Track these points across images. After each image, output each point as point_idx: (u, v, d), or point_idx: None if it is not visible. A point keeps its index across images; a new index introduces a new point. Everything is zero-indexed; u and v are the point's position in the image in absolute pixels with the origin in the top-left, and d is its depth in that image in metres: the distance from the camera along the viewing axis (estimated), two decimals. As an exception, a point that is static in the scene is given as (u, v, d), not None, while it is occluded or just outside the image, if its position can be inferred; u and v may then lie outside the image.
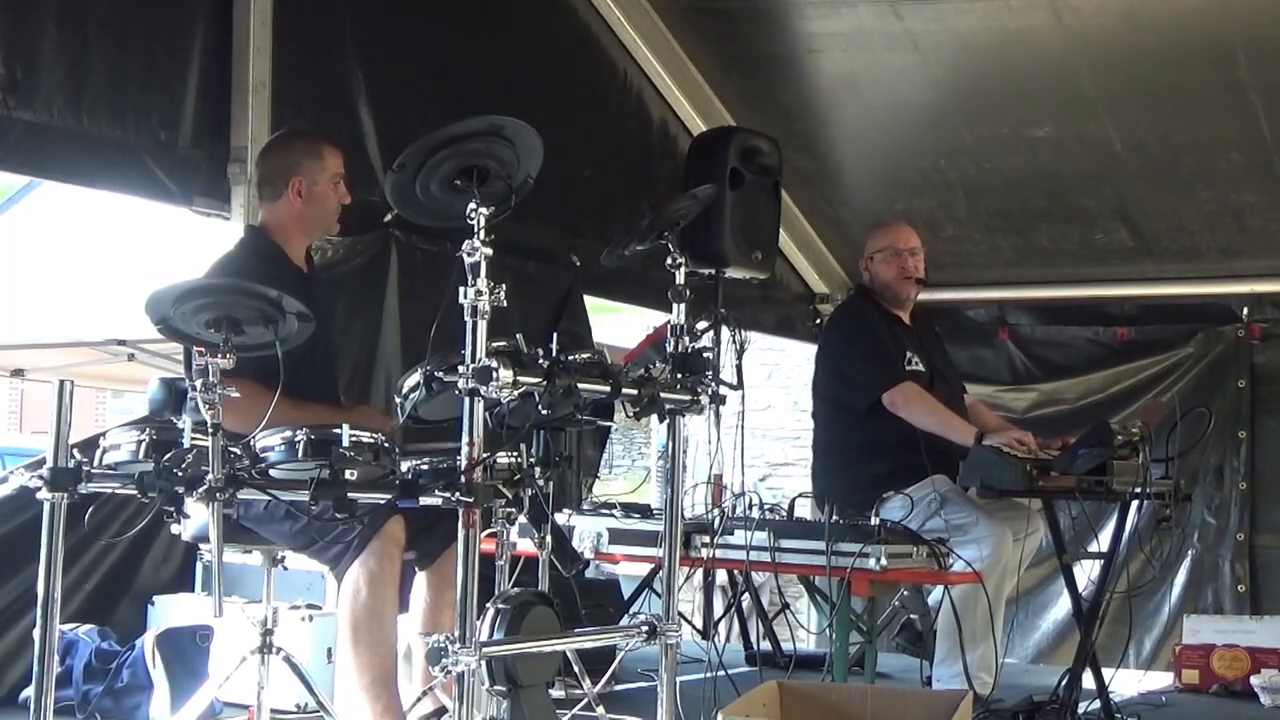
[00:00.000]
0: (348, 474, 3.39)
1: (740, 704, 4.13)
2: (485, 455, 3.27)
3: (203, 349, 3.31)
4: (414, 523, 3.91)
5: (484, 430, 3.27)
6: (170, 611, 4.90)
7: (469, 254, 3.24)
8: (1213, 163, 6.81)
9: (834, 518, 4.95)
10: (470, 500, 3.22)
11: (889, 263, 5.78)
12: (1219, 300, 7.61)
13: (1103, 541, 5.35)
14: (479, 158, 3.38)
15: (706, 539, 5.07)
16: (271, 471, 3.45)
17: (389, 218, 5.37)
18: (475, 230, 3.27)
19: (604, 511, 5.61)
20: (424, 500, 3.44)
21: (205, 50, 4.94)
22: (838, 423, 5.76)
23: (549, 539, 3.83)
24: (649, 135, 7.06)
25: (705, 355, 4.03)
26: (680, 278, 4.03)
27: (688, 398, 3.86)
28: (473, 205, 3.30)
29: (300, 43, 5.23)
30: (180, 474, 3.29)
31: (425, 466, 3.60)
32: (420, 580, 4.14)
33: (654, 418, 3.89)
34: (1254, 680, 5.90)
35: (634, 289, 6.66)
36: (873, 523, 4.87)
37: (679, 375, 3.87)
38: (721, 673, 4.73)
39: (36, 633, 3.41)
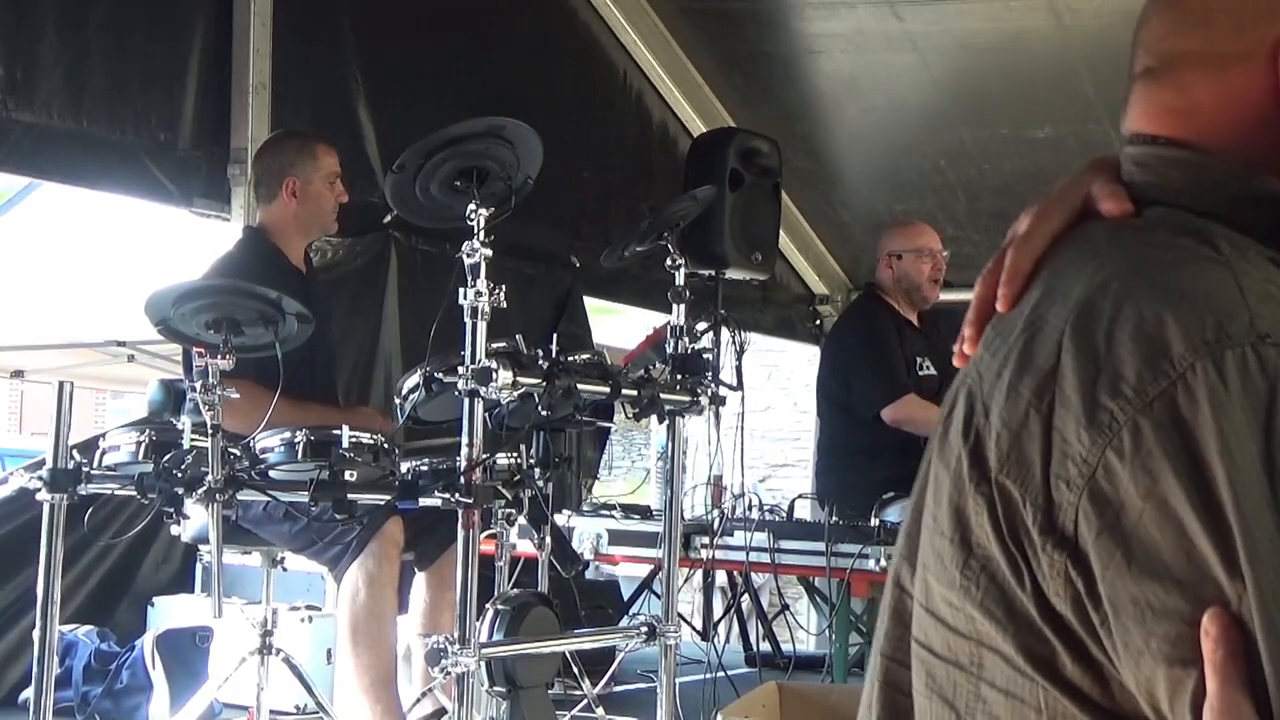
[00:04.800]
0: (347, 475, 3.39)
1: (740, 705, 4.13)
2: (485, 456, 3.27)
3: (202, 350, 3.31)
4: (413, 524, 3.91)
5: (484, 431, 3.27)
6: (170, 612, 4.90)
7: (469, 255, 3.25)
8: (1212, 163, 6.80)
9: (833, 518, 4.95)
10: (470, 501, 3.23)
11: (923, 263, 5.67)
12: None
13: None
14: (479, 159, 3.38)
15: (706, 540, 5.07)
16: (271, 473, 3.46)
17: (389, 219, 5.38)
18: (475, 231, 3.27)
19: (603, 512, 5.61)
20: (424, 501, 3.45)
21: (205, 51, 4.94)
22: (842, 424, 5.74)
23: (548, 540, 3.83)
24: (649, 136, 7.06)
25: (705, 356, 4.04)
26: (680, 279, 4.04)
27: (687, 399, 3.86)
28: (472, 206, 3.31)
29: (300, 44, 5.23)
30: (180, 475, 3.29)
31: (425, 468, 3.61)
32: (419, 581, 4.14)
33: (654, 419, 3.89)
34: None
35: (634, 290, 6.66)
36: (872, 523, 4.88)
37: (679, 376, 3.87)
38: (721, 674, 4.74)
39: (36, 633, 3.42)
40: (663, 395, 3.74)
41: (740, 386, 4.90)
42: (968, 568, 0.97)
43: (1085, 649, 0.92)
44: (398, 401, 3.64)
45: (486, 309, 3.23)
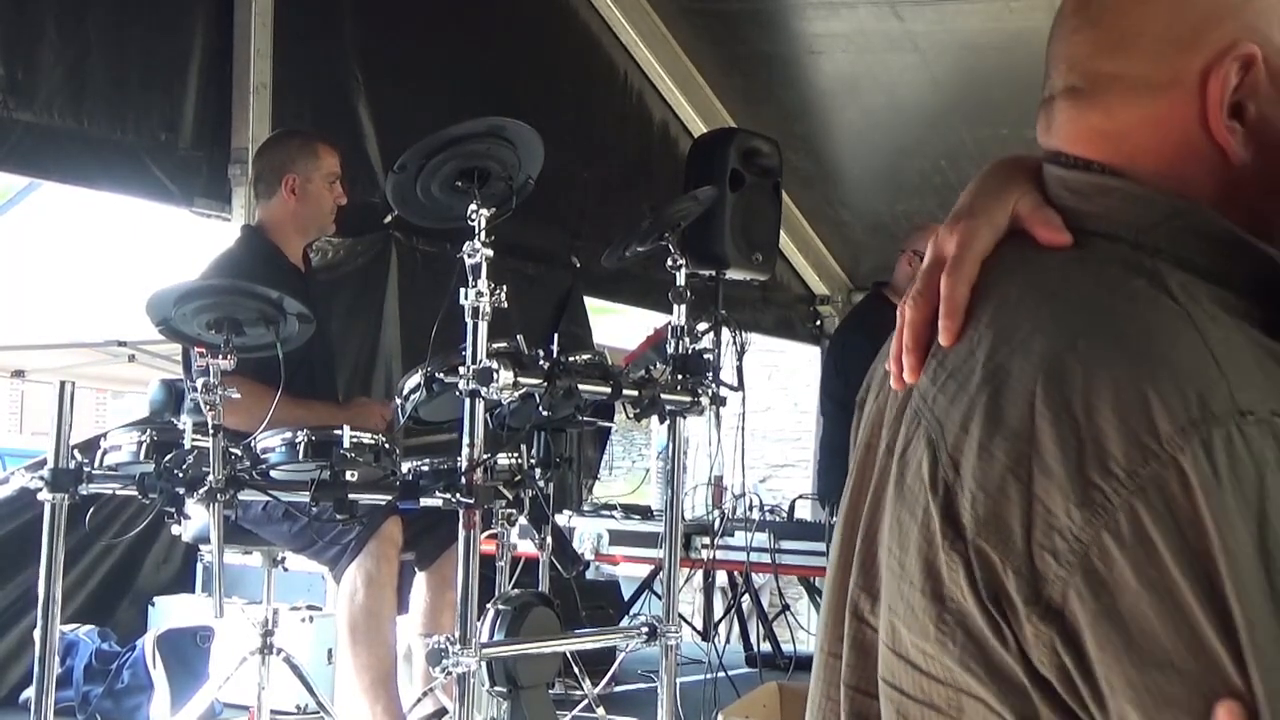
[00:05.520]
0: (348, 475, 3.39)
1: (740, 705, 4.14)
2: (486, 456, 3.27)
3: (203, 350, 3.31)
4: (413, 523, 3.91)
5: (485, 431, 3.27)
6: (170, 612, 4.90)
7: (470, 255, 3.25)
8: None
9: (834, 519, 4.95)
10: (471, 501, 3.23)
11: None
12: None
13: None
14: (480, 159, 3.39)
15: (707, 540, 5.07)
16: (272, 473, 3.46)
17: (389, 219, 5.36)
18: (476, 231, 3.28)
19: (604, 512, 5.62)
20: (424, 502, 3.45)
21: (205, 51, 4.94)
22: (844, 424, 5.70)
23: (549, 540, 3.83)
24: (649, 136, 7.07)
25: (705, 357, 4.04)
26: (681, 279, 4.04)
27: (688, 399, 3.86)
28: (473, 206, 3.31)
29: (300, 44, 5.24)
30: (181, 475, 3.29)
31: (426, 468, 3.61)
32: (420, 581, 4.14)
33: (654, 419, 3.89)
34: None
35: (634, 290, 6.66)
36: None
37: (679, 376, 3.87)
38: (721, 674, 4.73)
39: (37, 633, 3.42)
40: (663, 395, 3.74)
41: (741, 387, 4.90)
42: (943, 622, 0.98)
43: (1070, 710, 0.93)
44: (398, 401, 3.64)
45: (487, 309, 3.23)
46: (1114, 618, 0.90)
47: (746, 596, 6.35)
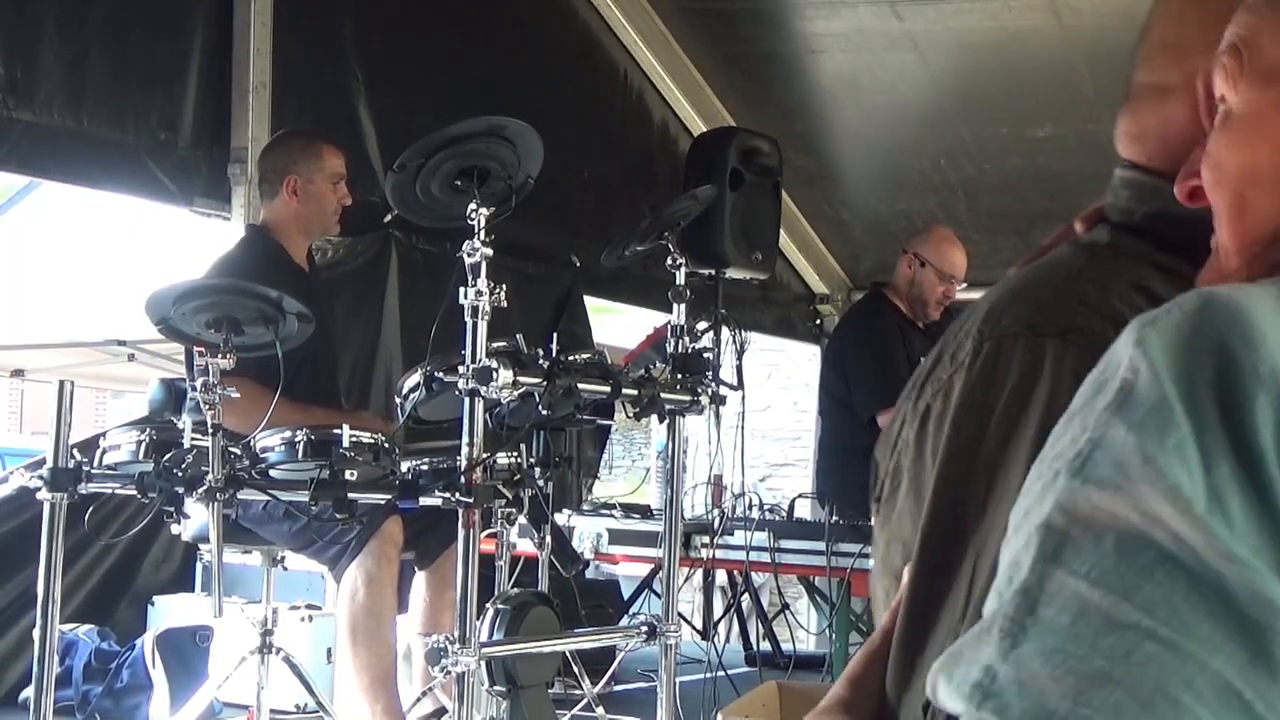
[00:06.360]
0: (347, 474, 3.39)
1: (740, 704, 4.14)
2: (485, 456, 3.27)
3: (203, 349, 3.31)
4: (413, 523, 3.91)
5: (484, 430, 3.27)
6: (170, 611, 4.90)
7: (469, 254, 3.25)
8: (1212, 163, 6.80)
9: (834, 518, 4.95)
10: (470, 501, 3.23)
11: (942, 284, 5.59)
12: (1219, 300, 7.58)
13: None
14: (479, 158, 3.38)
15: (706, 539, 5.07)
16: (271, 472, 3.46)
17: (389, 218, 5.37)
18: (475, 231, 3.27)
19: (604, 512, 5.61)
20: (424, 501, 3.45)
21: (205, 51, 4.94)
22: (842, 422, 5.73)
23: (549, 539, 3.83)
24: (649, 135, 7.07)
25: (705, 356, 4.04)
26: (680, 278, 4.04)
27: (688, 398, 3.86)
28: (473, 206, 3.30)
29: (300, 43, 5.23)
30: (180, 474, 3.29)
31: (425, 467, 3.61)
32: (419, 580, 4.14)
33: (654, 418, 3.89)
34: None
35: (634, 289, 6.66)
36: (873, 523, 4.86)
37: (679, 376, 3.87)
38: (721, 673, 4.74)
39: (36, 633, 3.42)
40: (663, 395, 3.74)
41: (740, 386, 4.90)
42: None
43: None
44: (398, 401, 3.64)
45: (487, 308, 3.23)
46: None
47: (746, 596, 6.35)
